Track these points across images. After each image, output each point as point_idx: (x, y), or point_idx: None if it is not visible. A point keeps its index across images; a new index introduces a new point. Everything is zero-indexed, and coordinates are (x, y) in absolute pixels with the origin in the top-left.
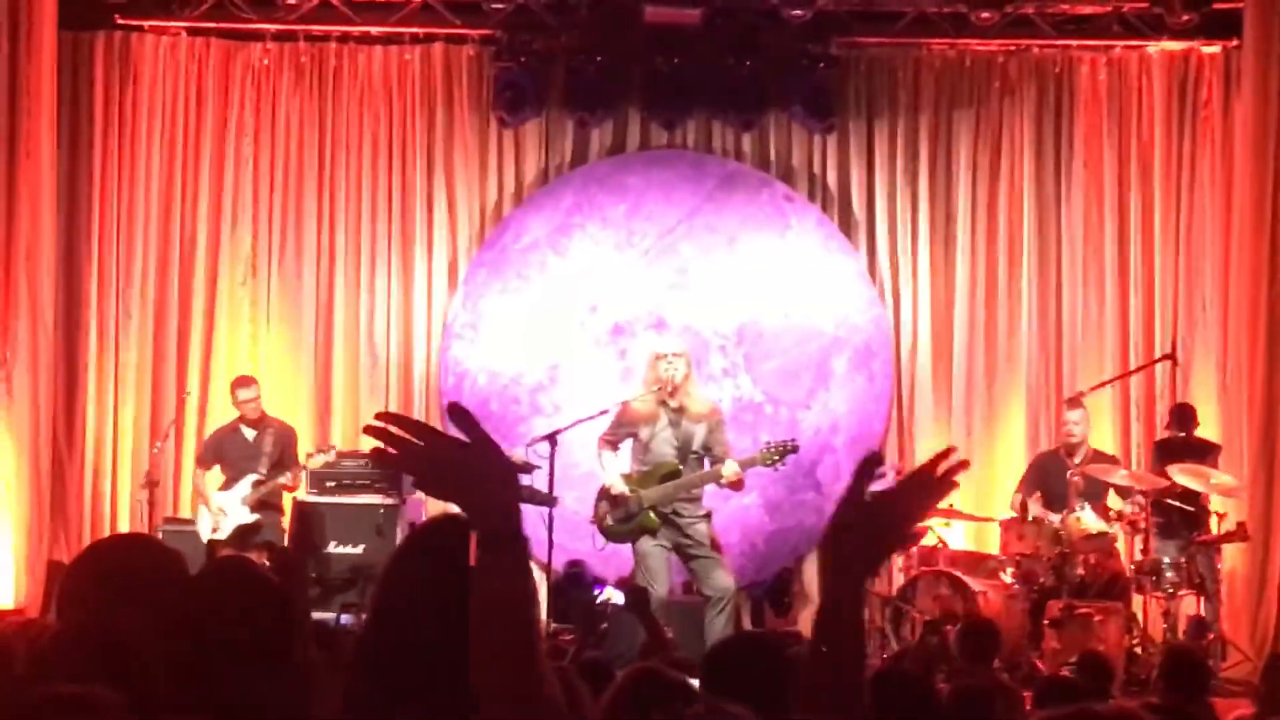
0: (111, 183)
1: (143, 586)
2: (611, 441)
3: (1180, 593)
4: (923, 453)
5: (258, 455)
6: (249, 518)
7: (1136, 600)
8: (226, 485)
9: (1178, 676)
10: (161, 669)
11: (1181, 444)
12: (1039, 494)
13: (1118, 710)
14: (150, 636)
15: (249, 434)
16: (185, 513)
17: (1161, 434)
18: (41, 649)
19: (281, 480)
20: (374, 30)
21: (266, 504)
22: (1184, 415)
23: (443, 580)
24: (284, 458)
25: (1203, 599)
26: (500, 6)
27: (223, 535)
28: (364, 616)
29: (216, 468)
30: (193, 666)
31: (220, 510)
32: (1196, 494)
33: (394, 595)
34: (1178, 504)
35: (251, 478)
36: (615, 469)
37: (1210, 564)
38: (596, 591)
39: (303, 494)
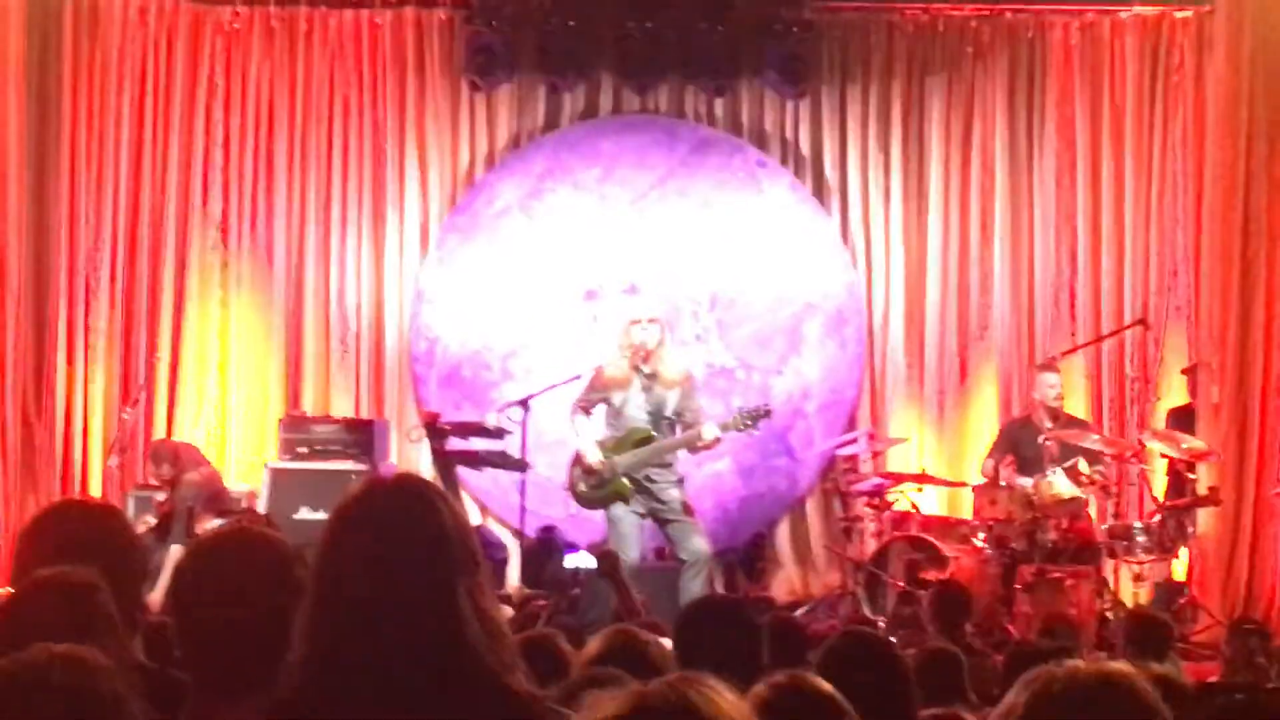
0: (81, 147)
1: (97, 549)
2: (584, 407)
3: (1153, 557)
4: (895, 419)
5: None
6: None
7: (1108, 564)
8: None
9: (1140, 638)
10: (125, 630)
11: (1194, 411)
12: (1011, 459)
13: (1099, 669)
14: (109, 595)
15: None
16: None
17: (1183, 396)
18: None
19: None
20: None
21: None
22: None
23: (373, 545)
24: (168, 531)
25: (1174, 563)
26: None
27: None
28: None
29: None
30: (192, 629)
31: None
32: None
33: (330, 561)
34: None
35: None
36: (589, 434)
37: (1182, 528)
38: (568, 556)
39: (274, 460)
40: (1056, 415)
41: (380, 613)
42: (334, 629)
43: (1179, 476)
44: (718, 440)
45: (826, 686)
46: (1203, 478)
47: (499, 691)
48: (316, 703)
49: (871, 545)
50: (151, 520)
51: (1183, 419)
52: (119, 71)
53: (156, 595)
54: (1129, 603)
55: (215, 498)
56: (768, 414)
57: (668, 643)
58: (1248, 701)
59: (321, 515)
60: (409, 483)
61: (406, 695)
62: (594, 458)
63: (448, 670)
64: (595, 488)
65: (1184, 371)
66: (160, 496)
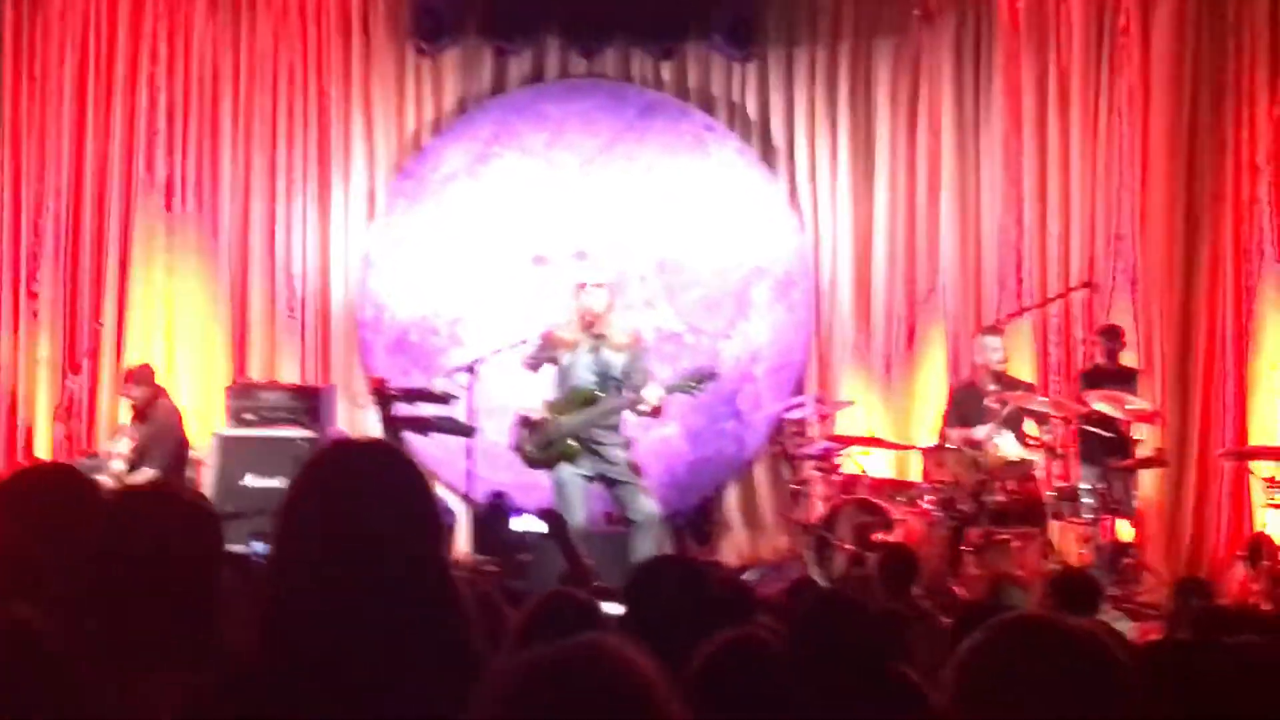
0: (22, 112)
1: (57, 517)
2: (532, 364)
3: (1099, 518)
4: (843, 382)
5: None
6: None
7: (1055, 526)
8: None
9: (1069, 596)
10: (73, 599)
11: (1106, 373)
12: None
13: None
14: (63, 567)
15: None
16: (103, 446)
17: (1096, 358)
18: None
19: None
20: None
21: None
22: (1112, 335)
23: (338, 507)
24: (146, 454)
25: (1120, 524)
26: None
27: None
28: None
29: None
30: (117, 590)
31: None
32: (1115, 420)
33: (295, 520)
34: (1096, 430)
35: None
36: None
37: (1126, 489)
38: (517, 520)
39: (221, 427)
40: (1000, 378)
41: (344, 577)
42: (296, 593)
43: (1122, 438)
44: (662, 401)
45: (774, 644)
46: (1147, 439)
47: (465, 661)
48: (278, 670)
49: (820, 508)
50: (125, 453)
51: (1095, 380)
52: (60, 37)
53: None
54: (1075, 564)
55: (181, 442)
56: (713, 376)
57: (614, 607)
58: (1192, 657)
59: (269, 482)
60: (376, 445)
61: (370, 664)
62: (538, 413)
63: (412, 639)
64: (541, 447)
65: (1097, 331)
66: (116, 465)
